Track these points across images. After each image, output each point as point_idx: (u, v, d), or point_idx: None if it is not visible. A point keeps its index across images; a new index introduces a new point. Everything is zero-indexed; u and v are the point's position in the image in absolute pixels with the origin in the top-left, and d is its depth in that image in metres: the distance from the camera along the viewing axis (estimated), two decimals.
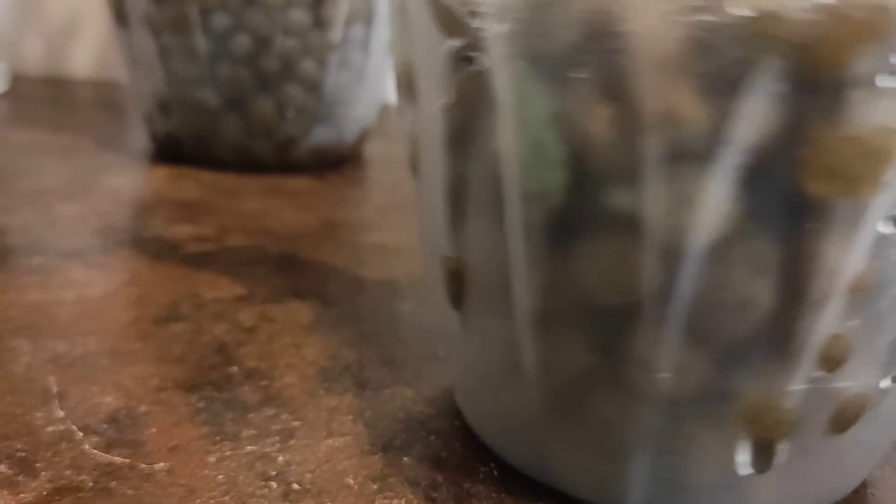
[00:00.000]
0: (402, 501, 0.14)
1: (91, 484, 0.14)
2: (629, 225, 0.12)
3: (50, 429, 0.15)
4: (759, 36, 0.11)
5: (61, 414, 0.16)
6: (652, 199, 0.12)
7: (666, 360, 0.12)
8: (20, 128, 0.38)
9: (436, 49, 0.14)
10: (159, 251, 0.25)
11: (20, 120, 0.40)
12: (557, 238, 0.13)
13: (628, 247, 0.12)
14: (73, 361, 0.18)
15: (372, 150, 0.39)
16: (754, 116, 0.11)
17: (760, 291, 0.12)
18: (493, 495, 0.14)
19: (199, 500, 0.14)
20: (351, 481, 0.15)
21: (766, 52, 0.11)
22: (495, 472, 0.15)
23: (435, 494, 0.14)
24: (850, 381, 0.13)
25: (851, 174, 0.11)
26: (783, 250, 0.12)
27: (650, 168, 0.12)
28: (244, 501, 0.14)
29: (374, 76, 0.35)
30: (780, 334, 0.12)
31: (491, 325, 0.14)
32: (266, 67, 0.31)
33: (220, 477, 0.14)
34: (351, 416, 0.17)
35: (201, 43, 0.31)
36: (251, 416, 0.16)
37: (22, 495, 0.13)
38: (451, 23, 0.13)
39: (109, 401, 0.16)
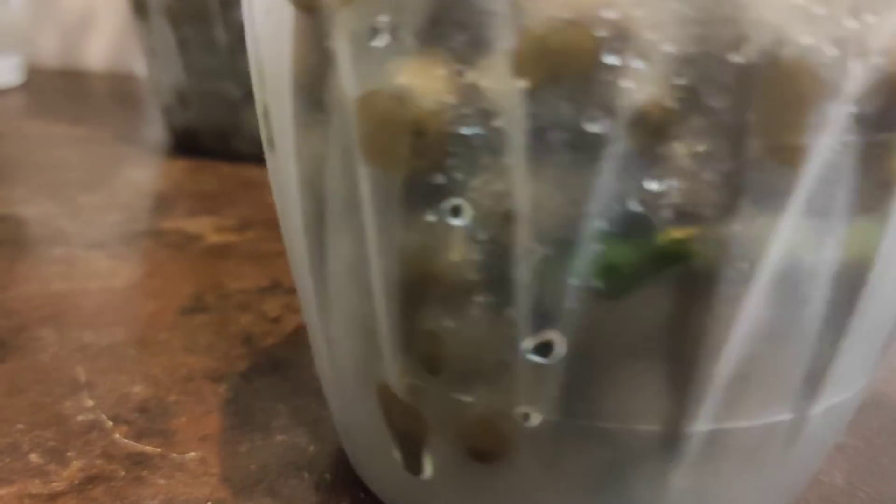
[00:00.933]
0: None
1: (123, 473, 0.14)
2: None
3: (80, 418, 0.15)
4: None
5: (90, 403, 0.16)
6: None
7: None
8: (37, 119, 0.38)
9: None
10: (181, 242, 0.24)
11: (37, 112, 0.40)
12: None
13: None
14: (101, 351, 0.18)
15: None
16: None
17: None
18: None
19: (232, 489, 0.13)
20: None
21: None
22: None
23: None
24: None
25: None
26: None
27: None
28: (277, 491, 0.13)
29: None
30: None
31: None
32: None
33: (253, 466, 0.14)
34: None
35: (222, 35, 0.31)
36: (280, 406, 0.16)
37: (54, 484, 0.13)
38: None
39: (138, 390, 0.16)
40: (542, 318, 0.10)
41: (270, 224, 0.26)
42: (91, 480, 0.13)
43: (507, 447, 0.11)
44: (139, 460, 0.14)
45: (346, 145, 0.11)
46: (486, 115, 0.09)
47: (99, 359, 0.17)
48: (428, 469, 0.12)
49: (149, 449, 0.14)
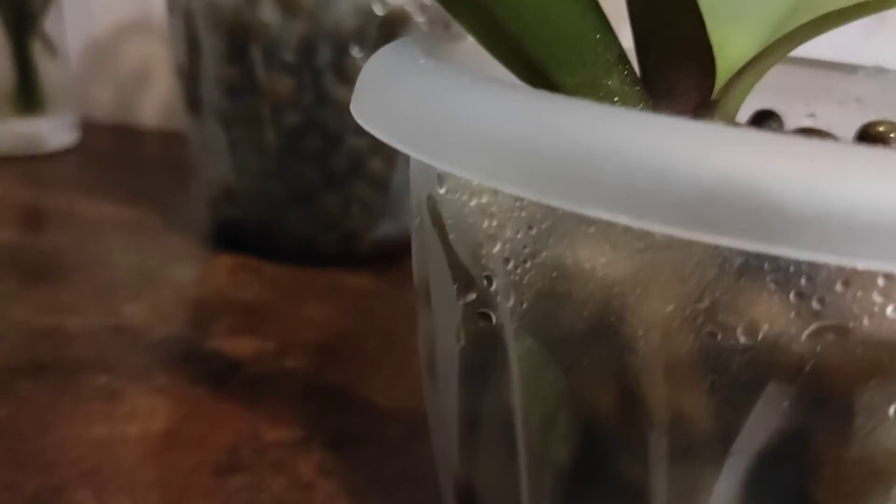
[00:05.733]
0: None
1: None
2: (636, 495, 0.12)
3: None
4: (763, 362, 0.11)
5: None
6: (659, 482, 0.12)
7: None
8: (88, 196, 0.39)
9: (450, 291, 0.13)
10: (221, 373, 0.25)
11: (88, 185, 0.40)
12: (566, 493, 0.13)
13: None
14: None
15: None
16: (762, 426, 0.11)
17: None
18: None
19: None
20: None
21: (772, 377, 0.11)
22: None
23: None
24: None
25: (858, 491, 0.11)
26: None
27: (657, 458, 0.12)
28: None
29: None
30: None
31: None
32: (335, 165, 0.31)
33: None
34: None
35: (271, 138, 0.31)
36: None
37: None
38: (465, 279, 0.13)
39: None
40: None
41: (308, 348, 0.27)
42: None
43: None
44: None
45: None
46: None
47: None
48: None
49: None
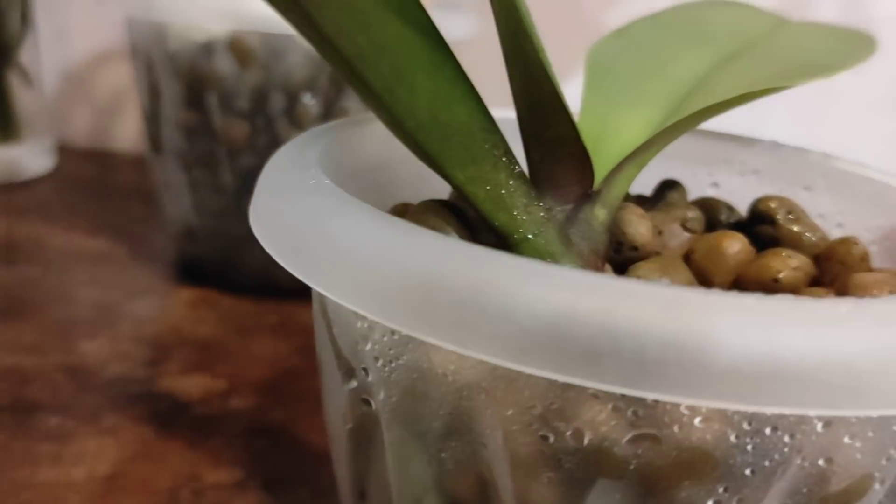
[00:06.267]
0: None
1: None
2: None
3: None
4: (591, 462, 0.12)
5: None
6: None
7: None
8: (59, 226, 0.40)
9: (337, 377, 0.15)
10: (169, 413, 0.26)
11: (61, 214, 0.42)
12: None
13: None
14: None
15: None
16: None
17: None
18: None
19: None
20: None
21: (601, 474, 0.12)
22: None
23: None
24: None
25: None
26: None
27: None
28: None
29: None
30: None
31: None
32: None
33: None
34: None
35: (229, 179, 0.32)
36: None
37: None
38: (348, 367, 0.14)
39: None
40: None
41: (255, 387, 0.28)
42: None
43: None
44: None
45: None
46: None
47: None
48: None
49: None
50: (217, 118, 0.31)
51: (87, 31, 0.51)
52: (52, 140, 0.48)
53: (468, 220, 0.16)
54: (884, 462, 0.13)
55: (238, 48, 0.30)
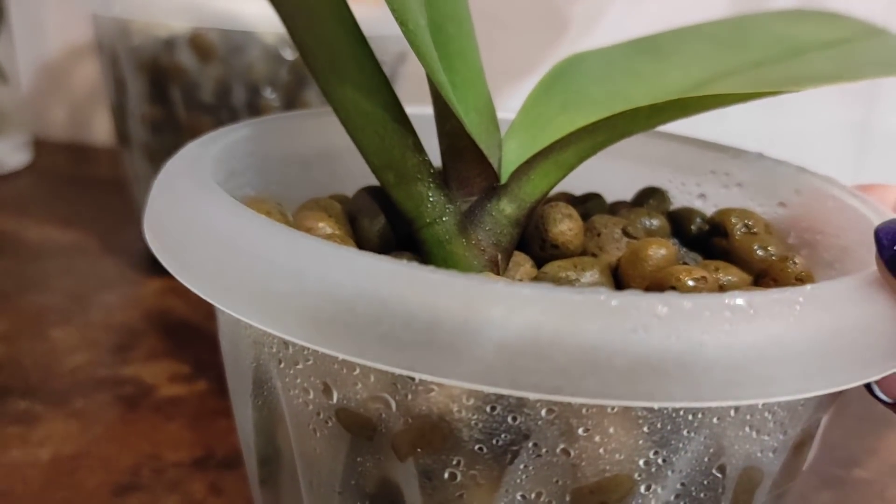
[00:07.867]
0: None
1: None
2: None
3: None
4: (343, 419, 0.14)
5: None
6: None
7: None
8: (34, 218, 0.41)
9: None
10: (135, 396, 0.27)
11: (36, 207, 0.43)
12: None
13: None
14: None
15: None
16: (361, 472, 0.14)
17: None
18: None
19: None
20: None
21: (352, 431, 0.14)
22: None
23: None
24: None
25: None
26: None
27: None
28: None
29: None
30: None
31: None
32: None
33: None
34: None
35: None
36: None
37: None
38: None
39: None
40: None
41: (218, 371, 0.29)
42: None
43: None
44: None
45: None
46: None
47: None
48: None
49: None
50: (181, 111, 0.32)
51: (60, 26, 0.52)
52: (29, 135, 0.49)
53: (393, 207, 0.17)
54: (642, 464, 0.13)
55: (198, 44, 0.31)
